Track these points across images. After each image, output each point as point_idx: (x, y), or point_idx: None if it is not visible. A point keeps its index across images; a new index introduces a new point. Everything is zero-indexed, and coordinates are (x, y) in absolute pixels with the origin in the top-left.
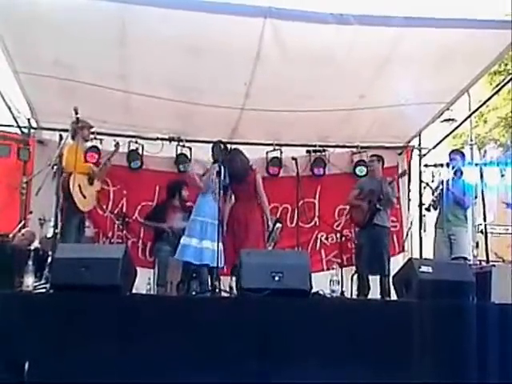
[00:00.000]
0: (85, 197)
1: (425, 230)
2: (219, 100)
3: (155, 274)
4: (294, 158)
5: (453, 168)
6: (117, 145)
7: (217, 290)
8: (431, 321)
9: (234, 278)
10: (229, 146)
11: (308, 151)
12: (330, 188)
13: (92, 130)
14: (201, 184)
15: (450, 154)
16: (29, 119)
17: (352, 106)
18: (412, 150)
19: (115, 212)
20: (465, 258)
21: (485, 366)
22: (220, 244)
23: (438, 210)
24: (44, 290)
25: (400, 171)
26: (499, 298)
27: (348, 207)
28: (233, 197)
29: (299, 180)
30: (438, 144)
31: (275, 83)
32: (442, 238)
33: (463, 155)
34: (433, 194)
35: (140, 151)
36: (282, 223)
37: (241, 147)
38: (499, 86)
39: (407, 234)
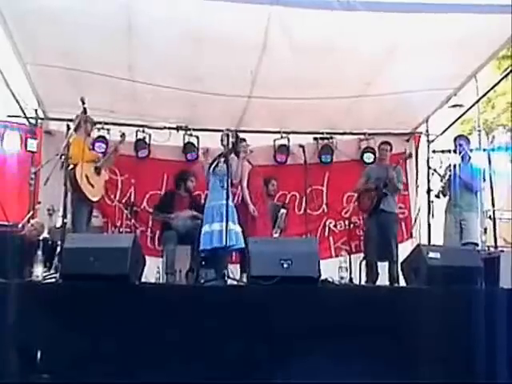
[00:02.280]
0: (93, 186)
1: (433, 216)
2: (226, 88)
3: (164, 262)
4: (301, 146)
5: (460, 153)
6: (123, 135)
7: (226, 278)
8: (440, 307)
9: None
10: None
11: (315, 138)
12: (337, 175)
13: (94, 119)
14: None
15: (455, 140)
16: (36, 110)
17: (359, 93)
18: (420, 137)
19: (123, 201)
20: (475, 244)
21: (494, 350)
22: (237, 226)
23: (447, 196)
24: (53, 280)
25: (406, 154)
26: (508, 283)
27: (356, 195)
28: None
29: (307, 167)
30: (445, 130)
31: (282, 71)
32: (453, 224)
33: (468, 140)
34: (441, 180)
35: (147, 140)
36: (286, 209)
37: (248, 135)
38: (507, 71)
39: (415, 221)
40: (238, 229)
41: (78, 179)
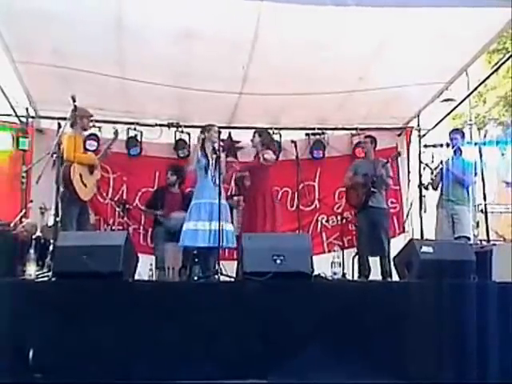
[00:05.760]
0: (85, 186)
1: (425, 211)
2: (217, 85)
3: (155, 259)
4: (293, 141)
5: (453, 147)
6: (116, 132)
7: (218, 275)
8: (433, 301)
9: None
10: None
11: (307, 134)
12: (329, 170)
13: (91, 119)
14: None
15: (450, 133)
16: (27, 108)
17: (351, 89)
18: (411, 131)
19: (116, 199)
20: (467, 238)
21: (486, 344)
22: (230, 224)
23: (439, 190)
24: (46, 279)
25: (395, 154)
26: (500, 276)
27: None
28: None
29: (299, 163)
30: (437, 124)
31: (273, 67)
32: (445, 218)
33: (463, 134)
34: (432, 173)
35: (139, 138)
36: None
37: (240, 131)
38: (498, 65)
39: (407, 215)
40: (231, 227)
41: (72, 178)
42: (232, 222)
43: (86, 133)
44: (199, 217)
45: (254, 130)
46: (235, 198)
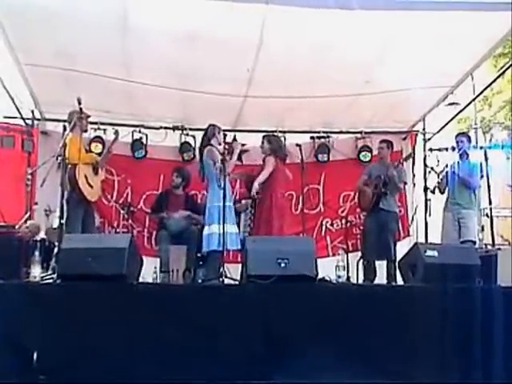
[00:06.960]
0: (92, 187)
1: (430, 215)
2: (222, 87)
3: (159, 262)
4: (298, 145)
5: (459, 151)
6: (116, 133)
7: (222, 278)
8: (437, 305)
9: None
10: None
11: (312, 137)
12: (334, 174)
13: (89, 119)
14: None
15: (456, 137)
16: (32, 111)
17: (356, 92)
18: (416, 135)
19: (120, 201)
20: (473, 242)
21: (491, 348)
22: (234, 227)
23: (445, 194)
24: (51, 281)
25: (405, 155)
26: (505, 280)
27: (355, 193)
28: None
29: (304, 166)
30: (442, 128)
31: (278, 70)
32: (451, 222)
33: (469, 138)
34: (438, 177)
35: (144, 140)
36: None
37: (244, 134)
38: (504, 69)
39: (412, 219)
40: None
41: (78, 179)
42: (239, 226)
43: (87, 134)
44: (212, 220)
45: (263, 135)
46: (243, 201)
